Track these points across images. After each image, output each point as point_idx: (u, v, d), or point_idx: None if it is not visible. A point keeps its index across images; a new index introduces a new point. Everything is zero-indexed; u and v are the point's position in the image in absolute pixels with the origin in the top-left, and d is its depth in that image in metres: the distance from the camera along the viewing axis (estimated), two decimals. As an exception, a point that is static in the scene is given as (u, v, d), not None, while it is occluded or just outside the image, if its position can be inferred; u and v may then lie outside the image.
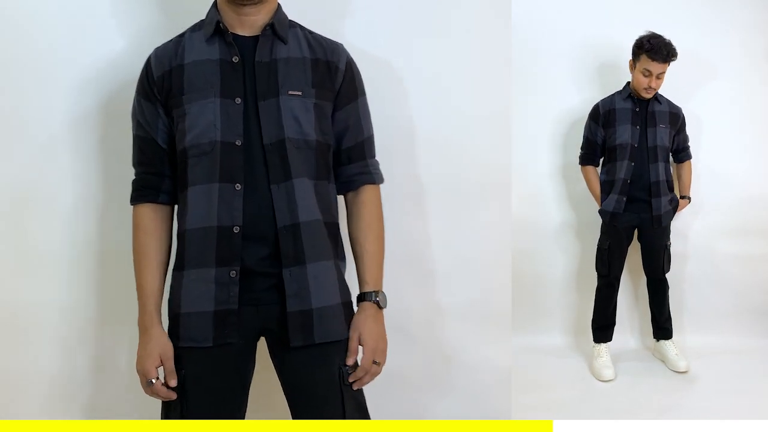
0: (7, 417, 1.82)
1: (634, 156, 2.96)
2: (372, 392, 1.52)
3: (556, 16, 3.31)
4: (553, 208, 3.41)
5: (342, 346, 1.45)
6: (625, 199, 2.96)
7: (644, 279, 3.18)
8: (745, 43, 3.32)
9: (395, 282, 1.91)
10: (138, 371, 1.43)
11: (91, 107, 1.83)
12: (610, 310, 3.11)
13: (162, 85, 1.46)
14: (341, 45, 1.54)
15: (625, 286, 3.29)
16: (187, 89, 1.43)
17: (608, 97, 3.06)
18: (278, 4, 1.51)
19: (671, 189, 3.06)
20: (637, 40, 2.90)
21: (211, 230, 1.40)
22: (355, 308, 1.51)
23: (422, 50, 1.88)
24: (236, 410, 1.48)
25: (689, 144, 3.14)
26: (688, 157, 3.15)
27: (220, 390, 1.45)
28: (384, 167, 1.59)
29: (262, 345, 1.53)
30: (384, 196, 1.58)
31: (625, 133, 2.96)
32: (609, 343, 3.10)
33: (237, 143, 1.41)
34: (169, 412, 1.45)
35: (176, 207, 1.51)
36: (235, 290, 1.40)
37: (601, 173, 3.11)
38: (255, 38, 1.46)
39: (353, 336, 1.46)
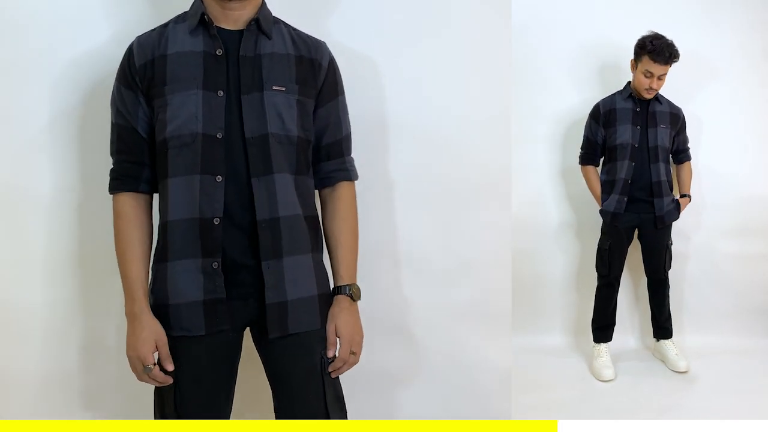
0: None
1: (634, 156, 2.95)
2: (372, 392, 1.52)
3: (556, 16, 3.30)
4: (553, 208, 3.41)
5: (321, 335, 1.48)
6: (626, 199, 2.96)
7: (644, 279, 3.18)
8: (744, 44, 3.32)
9: (395, 282, 1.93)
10: (131, 358, 1.42)
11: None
12: (610, 310, 3.11)
13: (144, 74, 1.45)
14: (324, 43, 1.56)
15: (625, 286, 3.29)
16: (169, 80, 1.43)
17: (609, 96, 3.06)
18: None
19: (671, 189, 3.06)
20: (639, 41, 2.89)
21: (194, 221, 1.41)
22: None
23: (422, 50, 1.88)
24: (227, 398, 1.50)
25: (689, 145, 3.13)
26: (688, 158, 3.14)
27: (214, 377, 1.46)
28: (384, 167, 1.60)
29: (248, 341, 1.54)
30: (384, 197, 1.58)
31: (625, 133, 2.96)
32: (609, 343, 3.10)
33: (218, 136, 1.41)
34: (163, 400, 1.45)
35: (155, 197, 1.50)
36: (220, 281, 1.41)
37: (601, 173, 3.10)
38: (239, 32, 1.46)
39: (330, 328, 1.49)
